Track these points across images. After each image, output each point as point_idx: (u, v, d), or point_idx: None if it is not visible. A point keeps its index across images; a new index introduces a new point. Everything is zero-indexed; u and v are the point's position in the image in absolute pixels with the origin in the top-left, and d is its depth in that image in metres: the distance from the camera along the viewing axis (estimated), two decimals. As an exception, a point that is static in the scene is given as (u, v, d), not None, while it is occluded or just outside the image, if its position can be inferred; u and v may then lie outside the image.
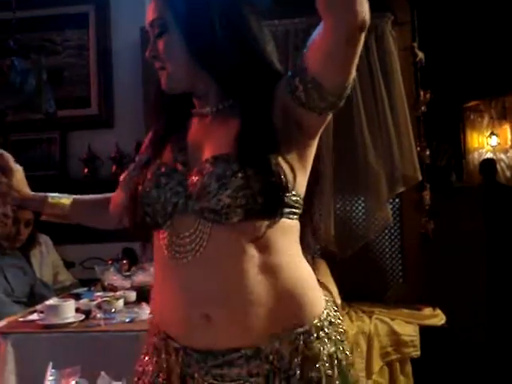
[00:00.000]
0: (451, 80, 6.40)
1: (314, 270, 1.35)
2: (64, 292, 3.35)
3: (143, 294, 2.69)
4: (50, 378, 0.89)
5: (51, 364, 1.02)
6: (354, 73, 1.16)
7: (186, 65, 1.30)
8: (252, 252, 1.22)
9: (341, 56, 1.13)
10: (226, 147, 1.23)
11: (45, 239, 3.77)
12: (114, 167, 4.14)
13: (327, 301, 1.33)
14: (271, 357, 1.21)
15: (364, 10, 1.08)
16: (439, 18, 5.09)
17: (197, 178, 1.22)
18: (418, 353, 3.45)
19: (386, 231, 4.02)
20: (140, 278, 2.89)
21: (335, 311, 1.34)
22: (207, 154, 1.26)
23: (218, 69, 1.29)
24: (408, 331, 3.48)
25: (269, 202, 1.20)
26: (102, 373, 1.10)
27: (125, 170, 1.57)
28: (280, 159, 1.22)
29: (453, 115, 7.67)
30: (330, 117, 1.26)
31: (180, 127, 1.39)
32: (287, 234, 1.28)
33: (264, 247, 1.23)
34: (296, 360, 1.22)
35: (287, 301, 1.24)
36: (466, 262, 4.37)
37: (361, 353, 3.34)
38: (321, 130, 1.29)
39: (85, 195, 1.75)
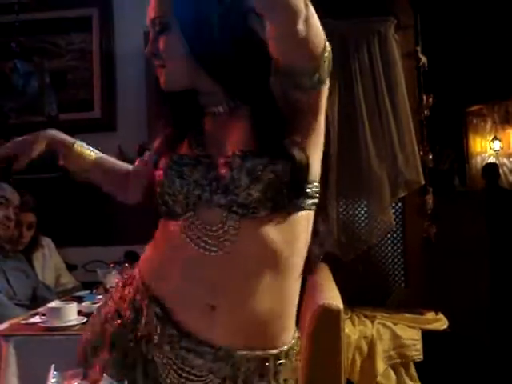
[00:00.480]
0: (454, 84, 6.40)
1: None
2: (66, 295, 3.35)
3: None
4: (53, 380, 0.89)
5: (53, 366, 1.02)
6: (319, 44, 1.16)
7: (186, 64, 1.30)
8: (276, 248, 1.24)
9: (293, 41, 1.14)
10: (248, 142, 1.23)
11: (47, 242, 3.77)
12: (116, 170, 4.14)
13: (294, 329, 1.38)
14: (238, 366, 1.25)
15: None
16: (442, 22, 5.09)
17: (224, 171, 1.22)
18: (421, 356, 3.44)
19: (389, 235, 4.01)
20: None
21: (298, 338, 1.38)
22: (231, 148, 1.25)
23: (218, 69, 1.29)
24: (410, 335, 3.47)
25: (294, 192, 1.22)
26: (105, 375, 1.10)
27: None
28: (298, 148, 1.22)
29: (456, 119, 7.66)
30: (325, 88, 1.25)
31: (193, 123, 1.38)
32: (309, 225, 1.31)
33: (288, 242, 1.26)
34: (257, 378, 1.27)
35: (278, 319, 1.29)
36: (468, 267, 4.35)
37: (363, 356, 3.34)
38: (322, 104, 1.27)
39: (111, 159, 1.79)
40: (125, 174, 1.74)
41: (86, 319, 2.45)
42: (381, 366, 3.38)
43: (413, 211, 3.98)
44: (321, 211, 1.34)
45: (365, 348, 3.37)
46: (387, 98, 3.79)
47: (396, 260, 4.04)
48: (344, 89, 3.76)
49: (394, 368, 3.46)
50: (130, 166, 1.76)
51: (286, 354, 1.31)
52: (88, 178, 1.76)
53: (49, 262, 3.71)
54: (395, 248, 4.04)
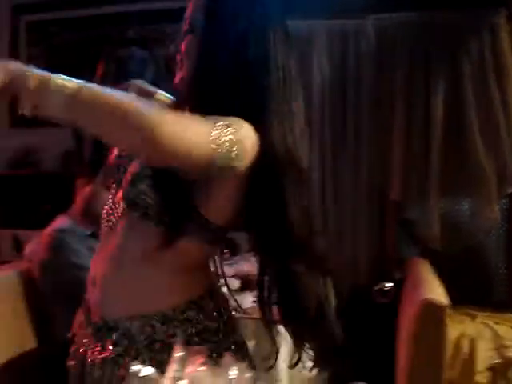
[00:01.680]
0: None
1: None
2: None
3: (247, 284, 2.74)
4: (178, 354, 0.94)
5: (181, 340, 1.07)
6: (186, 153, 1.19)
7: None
8: (131, 249, 1.37)
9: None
10: None
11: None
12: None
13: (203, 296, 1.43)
14: (117, 334, 1.34)
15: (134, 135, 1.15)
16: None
17: (131, 166, 1.39)
18: (523, 359, 3.34)
19: (493, 231, 3.90)
20: (244, 267, 2.93)
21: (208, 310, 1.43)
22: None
23: (202, 83, 1.35)
24: (513, 336, 3.38)
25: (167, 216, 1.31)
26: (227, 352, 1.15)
27: None
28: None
29: None
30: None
31: None
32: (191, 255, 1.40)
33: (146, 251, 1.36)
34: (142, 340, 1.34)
35: (150, 288, 1.37)
36: None
37: (462, 355, 3.28)
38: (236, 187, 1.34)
39: None
40: None
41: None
42: (480, 365, 3.31)
43: (519, 207, 3.86)
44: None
45: (465, 346, 3.31)
46: (496, 90, 3.68)
47: (500, 258, 3.93)
48: (452, 80, 3.69)
49: (493, 369, 3.38)
50: None
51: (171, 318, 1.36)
52: None
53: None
54: (499, 245, 3.93)
